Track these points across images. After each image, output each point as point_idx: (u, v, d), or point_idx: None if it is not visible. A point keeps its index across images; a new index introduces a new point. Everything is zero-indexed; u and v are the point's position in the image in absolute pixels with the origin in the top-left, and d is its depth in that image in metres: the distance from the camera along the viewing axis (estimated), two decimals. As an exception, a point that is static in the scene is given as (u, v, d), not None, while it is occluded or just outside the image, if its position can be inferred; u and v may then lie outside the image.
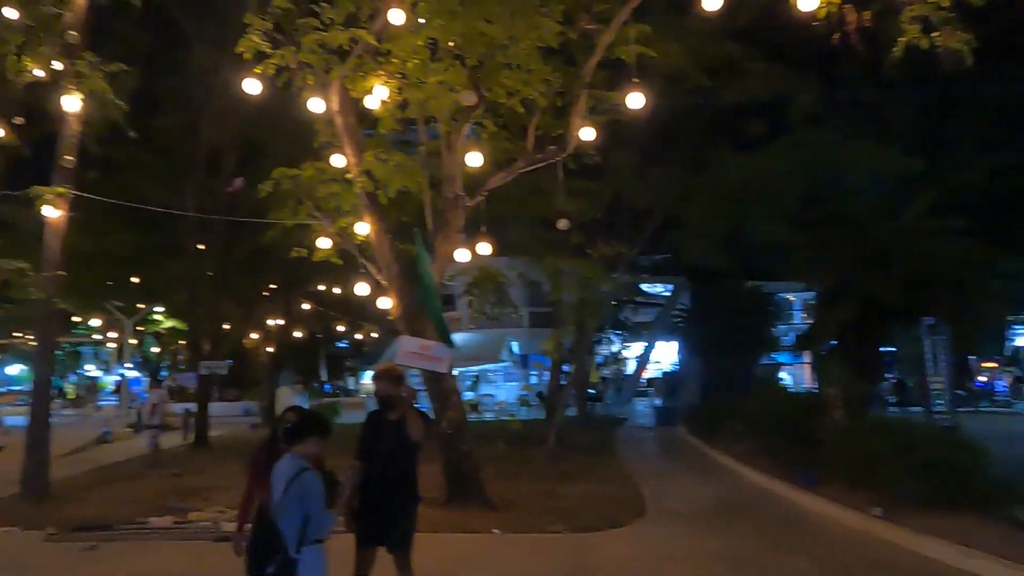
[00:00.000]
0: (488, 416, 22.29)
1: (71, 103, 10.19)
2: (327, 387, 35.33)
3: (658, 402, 23.81)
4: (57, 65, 13.40)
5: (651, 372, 30.18)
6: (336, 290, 22.92)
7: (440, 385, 8.96)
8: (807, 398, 12.34)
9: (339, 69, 8.34)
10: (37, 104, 14.90)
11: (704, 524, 8.10)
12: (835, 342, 14.61)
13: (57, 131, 11.30)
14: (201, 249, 17.70)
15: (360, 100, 8.55)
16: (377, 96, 8.17)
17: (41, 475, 9.83)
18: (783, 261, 17.12)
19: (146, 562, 6.82)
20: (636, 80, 7.68)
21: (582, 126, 8.90)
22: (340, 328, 32.50)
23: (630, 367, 29.36)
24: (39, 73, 13.81)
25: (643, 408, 24.50)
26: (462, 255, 9.40)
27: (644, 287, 26.53)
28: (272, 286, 22.82)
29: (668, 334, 27.11)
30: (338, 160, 8.86)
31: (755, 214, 14.48)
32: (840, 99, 17.13)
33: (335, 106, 8.77)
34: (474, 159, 8.82)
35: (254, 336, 25.98)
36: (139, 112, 13.43)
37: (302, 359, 32.90)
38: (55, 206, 10.11)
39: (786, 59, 14.67)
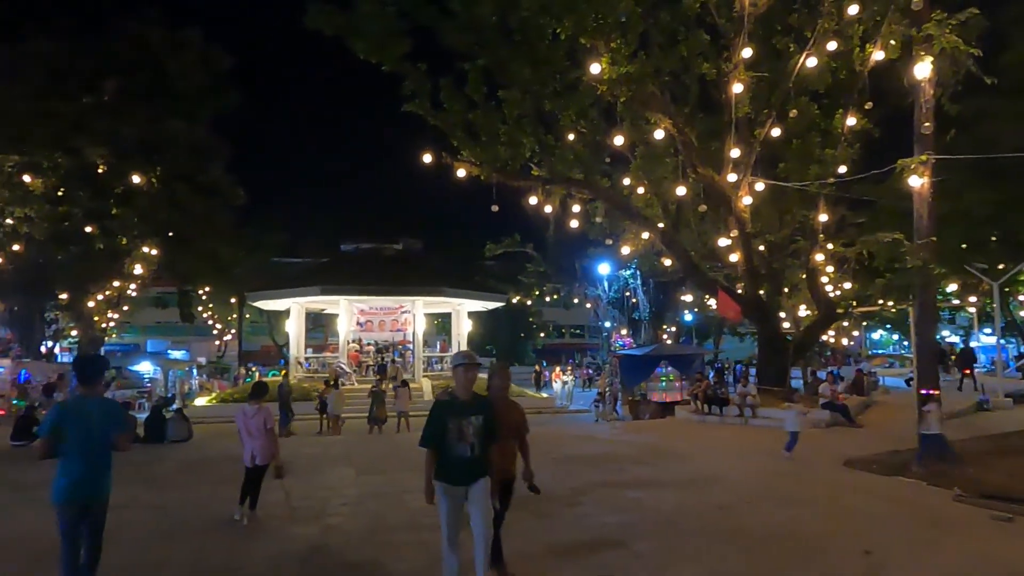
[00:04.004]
0: None
1: (922, 69, 10.23)
2: None
3: None
4: (891, 41, 13.84)
5: None
6: None
7: None
8: None
9: None
10: (878, 86, 15.87)
11: None
12: None
13: (901, 105, 11.62)
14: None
15: None
16: None
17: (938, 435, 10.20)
18: None
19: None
20: None
21: None
22: None
23: None
24: (879, 56, 14.68)
25: None
26: None
27: None
28: None
29: None
30: None
31: None
32: None
33: None
34: None
35: None
36: (986, 56, 12.38)
37: None
38: (919, 174, 10.34)
39: None
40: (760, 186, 16.37)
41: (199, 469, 11.06)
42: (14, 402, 19.38)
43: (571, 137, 17.62)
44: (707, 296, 25.48)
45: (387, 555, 6.04)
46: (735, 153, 15.97)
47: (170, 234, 25.99)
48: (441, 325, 35.11)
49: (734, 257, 17.77)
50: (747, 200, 16.56)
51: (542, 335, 57.20)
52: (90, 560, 4.64)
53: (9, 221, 21.41)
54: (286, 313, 28.56)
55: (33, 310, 27.98)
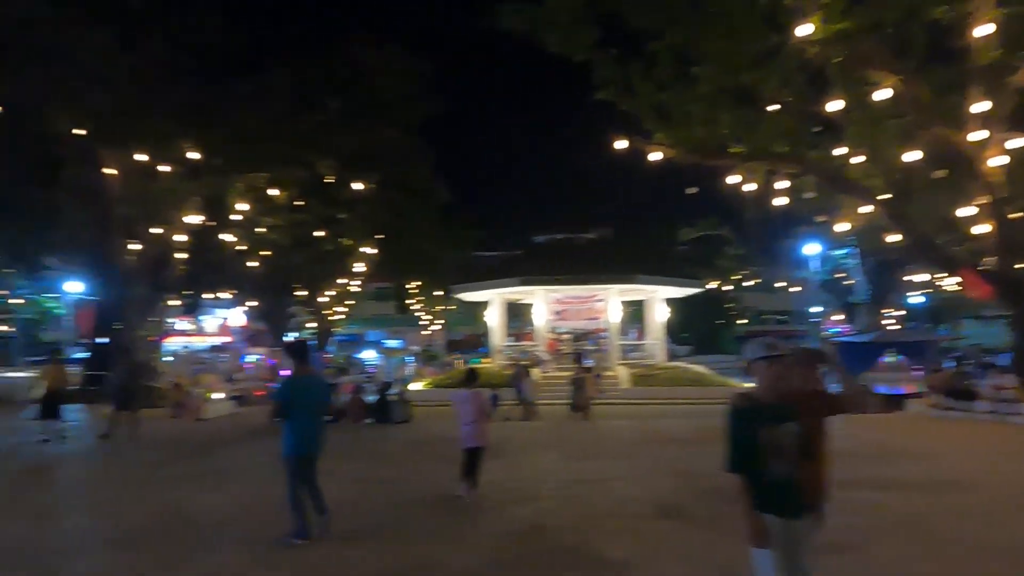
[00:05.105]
0: None
1: None
2: None
3: None
4: None
5: None
6: None
7: None
8: None
9: None
10: None
11: None
12: None
13: None
14: None
15: None
16: None
17: None
18: None
19: None
20: None
21: None
22: None
23: None
24: None
25: None
26: None
27: None
28: None
29: None
30: None
31: None
32: None
33: None
34: None
35: None
36: None
37: None
38: None
39: None
40: (1016, 143, 13.87)
41: (421, 448, 12.06)
42: (268, 384, 22.66)
43: (774, 108, 16.33)
44: (942, 274, 22.31)
45: (602, 541, 6.08)
46: (980, 107, 13.69)
47: (385, 235, 28.65)
48: (636, 313, 34.71)
49: (980, 228, 15.28)
50: (998, 161, 14.13)
51: (742, 322, 54.09)
52: (319, 496, 6.23)
53: (260, 229, 25.02)
54: (486, 304, 30.07)
55: (279, 305, 32.48)
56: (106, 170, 19.53)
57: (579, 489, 8.34)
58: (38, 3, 16.48)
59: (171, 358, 25.99)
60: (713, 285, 37.02)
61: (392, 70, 26.17)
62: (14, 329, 40.29)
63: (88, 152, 19.00)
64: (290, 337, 33.91)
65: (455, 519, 6.97)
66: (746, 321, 54.77)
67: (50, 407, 12.66)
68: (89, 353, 23.34)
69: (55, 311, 39.62)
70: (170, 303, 25.48)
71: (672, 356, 31.32)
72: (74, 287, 28.57)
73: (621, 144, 16.56)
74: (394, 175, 26.79)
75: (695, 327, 47.65)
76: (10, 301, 37.70)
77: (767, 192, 17.93)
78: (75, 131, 18.30)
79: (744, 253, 35.50)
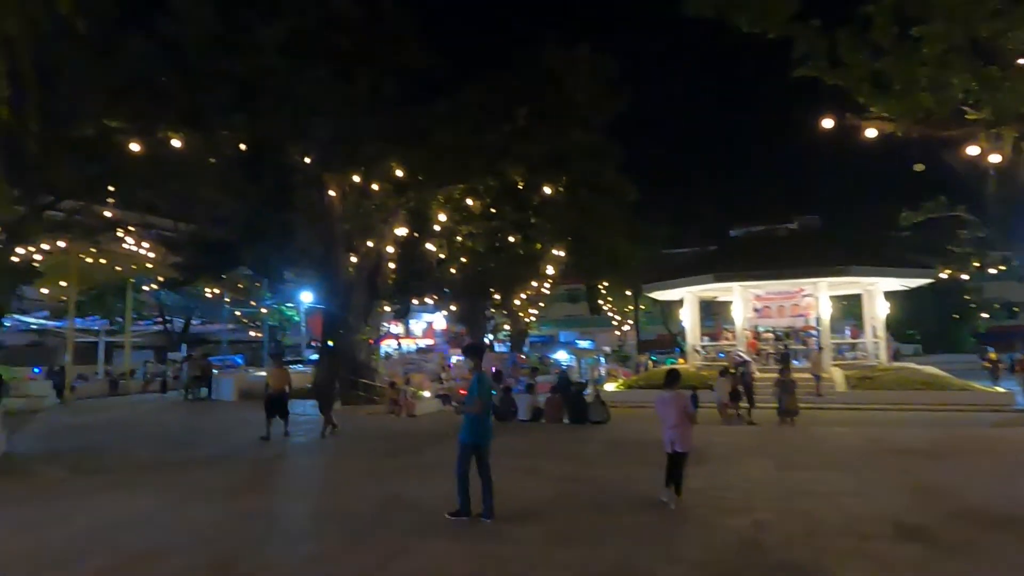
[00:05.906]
0: None
1: None
2: None
3: None
4: None
5: None
6: None
7: None
8: None
9: None
10: None
11: None
12: None
13: None
14: None
15: None
16: None
17: None
18: None
19: None
20: None
21: None
22: None
23: None
24: None
25: None
26: None
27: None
28: None
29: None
30: None
31: None
32: None
33: None
34: None
35: None
36: None
37: None
38: None
39: None
40: None
41: (620, 449, 11.89)
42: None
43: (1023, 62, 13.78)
44: None
45: (831, 562, 5.47)
46: None
47: (575, 236, 28.95)
48: (848, 308, 31.39)
49: None
50: None
51: (984, 316, 46.54)
52: (488, 485, 6.82)
53: (458, 238, 26.55)
54: (679, 302, 29.07)
55: (476, 309, 34.25)
56: (329, 192, 21.97)
57: (800, 502, 7.63)
58: (270, 52, 18.97)
59: (385, 359, 28.51)
60: (946, 275, 32.30)
61: (580, 72, 26.34)
62: (261, 334, 47.02)
63: (314, 177, 21.52)
64: (488, 339, 35.66)
65: (661, 526, 6.72)
66: (988, 316, 47.16)
67: (275, 405, 13.90)
68: (318, 355, 26.37)
69: (293, 318, 45.56)
70: (383, 309, 27.96)
71: (896, 356, 27.88)
72: (307, 297, 32.54)
73: (828, 123, 15.03)
74: (583, 176, 26.93)
75: (923, 323, 41.96)
76: (259, 311, 44.10)
77: (1018, 163, 15.22)
78: (304, 159, 20.82)
79: (986, 236, 30.52)
